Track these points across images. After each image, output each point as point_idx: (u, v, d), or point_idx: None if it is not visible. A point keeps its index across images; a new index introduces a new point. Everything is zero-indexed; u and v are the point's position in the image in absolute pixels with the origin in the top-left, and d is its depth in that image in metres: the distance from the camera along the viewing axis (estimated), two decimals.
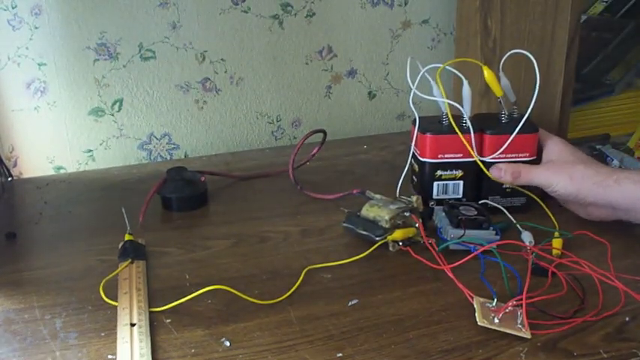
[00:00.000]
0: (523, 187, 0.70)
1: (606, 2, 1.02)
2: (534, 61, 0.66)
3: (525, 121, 0.67)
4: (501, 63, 0.68)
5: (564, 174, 0.65)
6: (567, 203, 0.70)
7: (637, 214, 0.63)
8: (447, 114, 0.69)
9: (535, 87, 0.66)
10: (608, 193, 0.62)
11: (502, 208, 0.70)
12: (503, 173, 0.67)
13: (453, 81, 0.94)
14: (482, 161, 0.69)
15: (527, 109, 0.67)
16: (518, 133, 0.67)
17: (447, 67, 0.67)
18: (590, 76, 0.93)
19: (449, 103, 0.68)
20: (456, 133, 0.68)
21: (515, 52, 0.68)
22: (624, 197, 0.62)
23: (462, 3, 0.98)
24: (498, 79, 0.68)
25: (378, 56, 1.06)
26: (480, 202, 0.70)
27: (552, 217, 0.68)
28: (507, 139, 0.67)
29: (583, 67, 0.93)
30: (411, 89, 0.68)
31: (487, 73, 0.68)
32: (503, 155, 0.68)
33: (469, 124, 0.67)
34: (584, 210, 0.68)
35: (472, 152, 0.68)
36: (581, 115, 0.90)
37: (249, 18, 0.96)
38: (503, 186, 0.70)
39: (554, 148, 0.69)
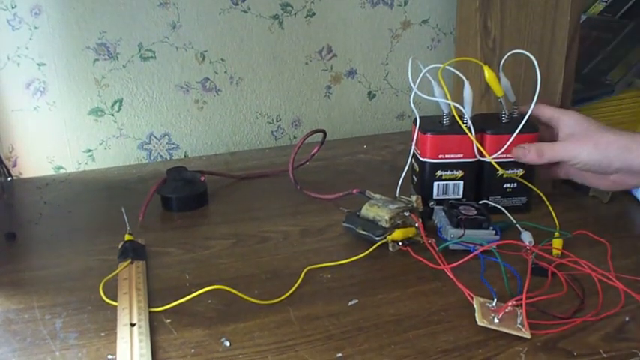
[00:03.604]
0: (530, 182, 0.70)
1: (606, 2, 1.02)
2: (535, 62, 0.66)
3: (526, 121, 0.67)
4: (501, 63, 0.68)
5: (588, 143, 0.64)
6: (588, 178, 0.68)
7: None
8: (448, 114, 0.69)
9: (536, 87, 0.66)
10: (633, 156, 0.62)
11: (502, 208, 0.70)
12: (527, 152, 0.67)
13: (453, 81, 0.94)
14: (482, 161, 0.69)
15: (528, 109, 0.67)
16: (518, 133, 0.67)
17: (448, 67, 0.67)
18: (590, 76, 0.93)
19: (449, 104, 0.68)
20: (458, 133, 0.68)
21: (516, 53, 0.68)
22: None
23: (462, 3, 0.98)
24: (498, 78, 0.68)
25: (377, 56, 1.06)
26: (480, 202, 0.70)
27: (554, 217, 0.67)
28: (508, 140, 0.67)
29: (583, 67, 0.93)
30: (412, 89, 0.68)
31: (488, 72, 0.68)
32: (504, 155, 0.68)
33: (470, 124, 0.67)
34: (607, 180, 0.67)
35: (483, 152, 0.68)
36: None
37: (249, 18, 0.96)
38: (504, 185, 0.70)
39: (570, 121, 0.68)
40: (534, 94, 0.66)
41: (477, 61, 0.72)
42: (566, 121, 0.68)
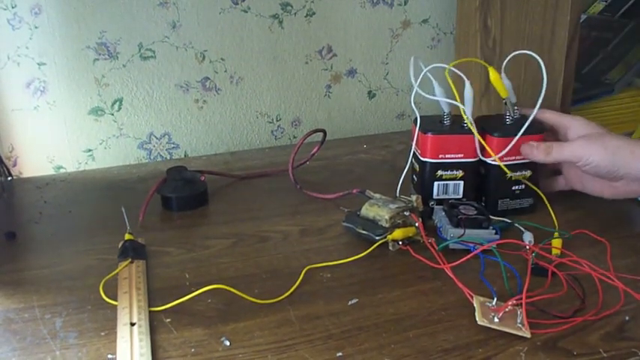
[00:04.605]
0: (534, 183, 0.69)
1: (606, 2, 1.02)
2: (541, 62, 0.65)
3: (531, 122, 0.67)
4: (504, 64, 0.67)
5: (597, 144, 0.64)
6: (592, 183, 0.68)
7: None
8: (448, 114, 0.69)
9: (542, 88, 0.65)
10: (639, 163, 0.62)
11: (502, 212, 0.70)
12: (535, 150, 0.66)
13: (453, 81, 0.94)
14: (489, 165, 0.68)
15: (533, 110, 0.67)
16: (523, 134, 0.66)
17: (448, 67, 0.67)
18: (590, 76, 0.93)
19: (450, 103, 0.68)
20: (458, 133, 0.67)
21: (520, 53, 0.67)
22: None
23: (462, 2, 0.98)
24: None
25: (377, 56, 1.06)
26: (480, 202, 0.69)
27: (554, 217, 0.67)
28: (513, 142, 0.67)
29: (583, 66, 0.93)
30: (413, 88, 0.68)
31: (492, 74, 0.67)
32: (513, 157, 0.68)
33: (472, 122, 0.67)
34: (610, 187, 0.67)
35: (492, 154, 0.67)
36: (581, 115, 0.90)
37: (249, 17, 0.96)
38: (512, 187, 0.69)
39: (577, 124, 0.68)
40: (540, 95, 0.66)
41: (482, 62, 0.71)
42: (573, 124, 0.68)
